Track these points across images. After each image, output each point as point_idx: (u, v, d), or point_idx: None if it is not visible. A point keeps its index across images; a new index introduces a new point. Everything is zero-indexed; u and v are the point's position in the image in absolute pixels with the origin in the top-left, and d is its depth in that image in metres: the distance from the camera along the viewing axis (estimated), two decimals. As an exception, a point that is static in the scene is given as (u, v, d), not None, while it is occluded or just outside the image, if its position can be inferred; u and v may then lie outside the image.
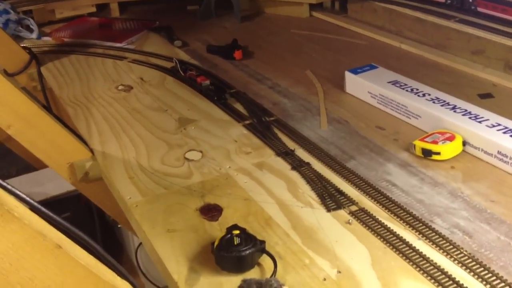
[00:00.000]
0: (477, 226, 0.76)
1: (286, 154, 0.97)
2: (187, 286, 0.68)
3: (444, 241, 0.73)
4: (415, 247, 0.72)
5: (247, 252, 0.68)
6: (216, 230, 0.78)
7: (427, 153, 0.92)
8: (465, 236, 0.74)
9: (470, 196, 0.83)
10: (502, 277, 0.66)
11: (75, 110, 1.22)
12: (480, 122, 0.94)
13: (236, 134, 1.06)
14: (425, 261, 0.69)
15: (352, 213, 0.80)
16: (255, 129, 1.07)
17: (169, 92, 1.28)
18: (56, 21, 1.88)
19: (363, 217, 0.78)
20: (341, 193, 0.84)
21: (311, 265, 0.70)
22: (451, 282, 0.66)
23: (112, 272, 0.57)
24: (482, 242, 0.73)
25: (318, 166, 0.93)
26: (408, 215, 0.78)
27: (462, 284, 0.65)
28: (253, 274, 0.69)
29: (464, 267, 0.68)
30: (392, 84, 1.12)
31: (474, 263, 0.69)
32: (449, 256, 0.70)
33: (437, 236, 0.74)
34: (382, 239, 0.74)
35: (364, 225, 0.77)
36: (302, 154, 0.97)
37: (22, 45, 1.59)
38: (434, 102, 1.03)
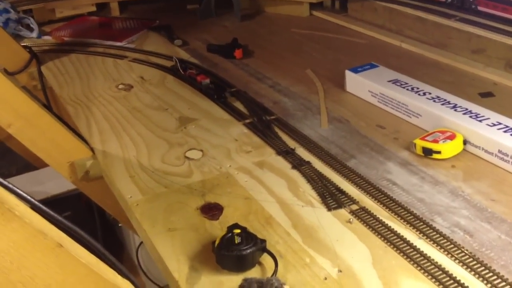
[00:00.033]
0: (477, 225, 0.76)
1: (287, 153, 0.97)
2: (188, 285, 0.68)
3: (445, 240, 0.73)
4: (415, 246, 0.72)
5: (248, 251, 0.68)
6: (217, 229, 0.78)
7: (427, 152, 0.92)
8: (465, 235, 0.74)
9: (470, 195, 0.83)
10: (503, 276, 0.66)
11: (76, 109, 1.22)
12: (480, 121, 0.94)
13: (237, 133, 1.06)
14: (425, 260, 0.69)
15: (352, 212, 0.80)
16: (255, 128, 1.07)
17: (170, 91, 1.28)
18: (56, 20, 1.88)
19: (364, 216, 0.78)
20: (341, 192, 0.84)
21: (311, 264, 0.70)
22: (452, 281, 0.66)
23: (113, 271, 0.57)
24: (483, 241, 0.73)
25: (319, 165, 0.93)
26: (409, 214, 0.78)
27: (463, 283, 0.65)
28: (254, 273, 0.69)
29: (465, 266, 0.68)
30: (393, 83, 1.12)
31: (475, 262, 0.69)
32: (449, 255, 0.70)
33: (437, 235, 0.74)
34: (382, 238, 0.74)
35: (364, 224, 0.77)
36: (303, 153, 0.97)
37: (22, 44, 1.59)
38: (434, 101, 1.03)
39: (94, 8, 1.93)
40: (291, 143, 1.01)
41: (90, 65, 1.48)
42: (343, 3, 1.76)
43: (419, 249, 0.71)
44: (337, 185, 0.86)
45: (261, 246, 0.70)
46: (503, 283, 0.65)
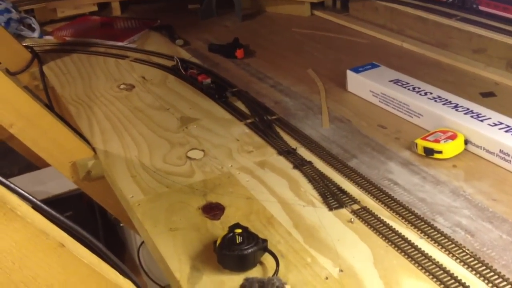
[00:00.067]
0: (479, 225, 0.76)
1: (288, 153, 0.97)
2: (189, 285, 0.68)
3: (446, 240, 0.73)
4: (417, 245, 0.72)
5: (249, 250, 0.68)
6: (218, 228, 0.78)
7: (429, 152, 0.92)
8: (467, 234, 0.74)
9: (472, 195, 0.83)
10: (504, 275, 0.66)
11: (77, 109, 1.23)
12: (482, 120, 0.94)
13: (238, 133, 1.06)
14: (427, 260, 0.69)
15: (354, 212, 0.80)
16: (257, 127, 1.07)
17: (171, 91, 1.29)
18: (58, 20, 1.88)
19: (365, 216, 0.78)
20: (343, 191, 0.84)
21: (313, 263, 0.70)
22: (453, 280, 0.66)
23: (114, 270, 0.57)
24: (484, 241, 0.73)
25: (320, 165, 0.93)
26: (410, 214, 0.78)
27: (464, 283, 0.65)
28: (255, 272, 0.69)
29: (466, 266, 0.68)
30: (394, 82, 1.12)
31: (476, 261, 0.69)
32: (451, 254, 0.70)
33: (439, 235, 0.74)
34: (384, 238, 0.74)
35: (366, 224, 0.77)
36: (304, 152, 0.97)
37: (24, 44, 1.59)
38: (436, 101, 1.03)
39: (95, 8, 1.93)
40: (292, 143, 1.01)
41: (91, 65, 1.48)
42: (344, 2, 1.76)
43: (420, 248, 0.71)
44: (339, 185, 0.86)
45: (262, 246, 0.70)
46: (504, 283, 0.65)
